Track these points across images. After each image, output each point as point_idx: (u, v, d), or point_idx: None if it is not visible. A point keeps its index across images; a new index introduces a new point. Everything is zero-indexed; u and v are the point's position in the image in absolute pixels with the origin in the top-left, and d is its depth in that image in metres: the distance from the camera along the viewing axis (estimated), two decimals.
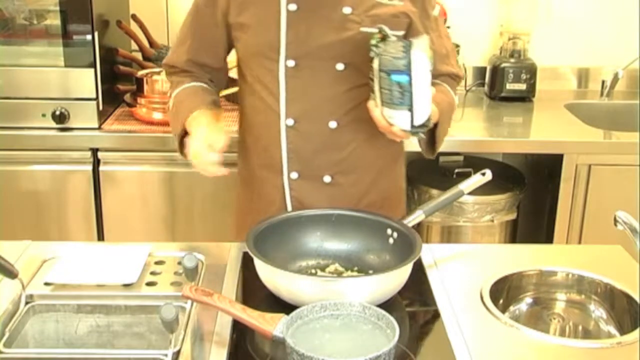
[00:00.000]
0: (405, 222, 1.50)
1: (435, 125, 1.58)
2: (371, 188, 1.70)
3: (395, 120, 1.45)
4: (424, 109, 1.44)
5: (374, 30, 1.47)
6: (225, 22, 1.63)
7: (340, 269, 1.50)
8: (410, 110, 1.42)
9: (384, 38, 1.44)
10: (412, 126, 1.44)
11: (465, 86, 2.96)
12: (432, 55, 1.44)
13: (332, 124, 1.61)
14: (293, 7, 1.55)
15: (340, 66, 1.57)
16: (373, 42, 1.45)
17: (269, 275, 1.36)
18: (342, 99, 1.60)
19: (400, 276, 1.36)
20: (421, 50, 1.40)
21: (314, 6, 1.55)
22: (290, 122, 1.61)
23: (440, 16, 1.71)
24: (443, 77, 1.68)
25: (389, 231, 1.49)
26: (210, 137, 1.47)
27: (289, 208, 1.67)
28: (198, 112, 1.55)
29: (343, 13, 1.55)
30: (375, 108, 1.48)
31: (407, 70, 1.39)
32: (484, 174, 1.58)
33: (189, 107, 1.58)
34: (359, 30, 1.54)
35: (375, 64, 1.43)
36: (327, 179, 1.65)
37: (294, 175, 1.65)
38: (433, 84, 1.49)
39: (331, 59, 1.57)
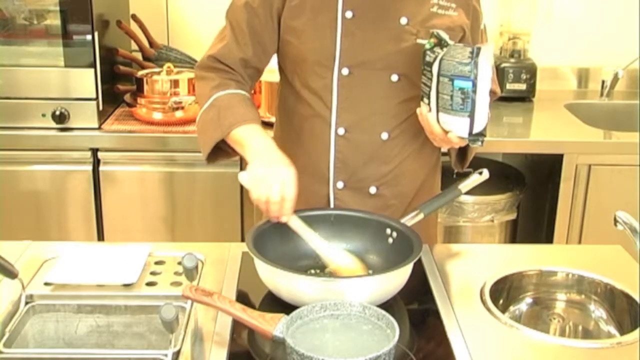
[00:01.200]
0: (403, 221, 1.50)
1: None
2: (414, 200, 1.67)
3: (452, 127, 1.42)
4: (483, 117, 1.42)
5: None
6: (278, 24, 1.58)
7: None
8: (471, 117, 1.40)
9: (439, 43, 1.42)
10: (470, 134, 1.42)
11: None
12: (493, 65, 1.42)
13: (384, 136, 1.59)
14: (349, 14, 1.52)
15: (394, 77, 1.55)
16: (428, 46, 1.43)
17: (269, 275, 1.36)
18: (395, 111, 1.58)
19: (400, 276, 1.36)
20: (486, 57, 1.38)
21: (370, 15, 1.53)
22: (342, 131, 1.58)
23: (485, 32, 1.68)
24: None
25: (388, 231, 1.49)
26: (285, 185, 1.42)
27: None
28: (254, 131, 1.50)
29: (400, 23, 1.53)
30: (429, 113, 1.45)
31: (472, 77, 1.37)
32: (481, 173, 1.58)
33: (240, 116, 1.52)
34: (415, 42, 1.52)
35: (435, 69, 1.40)
36: (372, 190, 1.63)
37: (340, 184, 1.62)
38: None
39: (386, 69, 1.55)
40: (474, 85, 1.38)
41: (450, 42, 1.42)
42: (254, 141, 1.49)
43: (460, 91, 1.38)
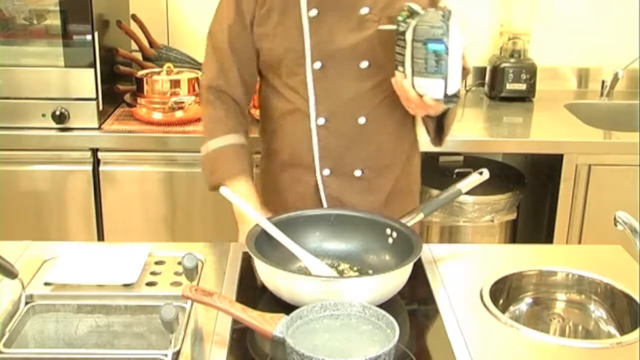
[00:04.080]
0: (404, 221, 1.50)
1: (444, 113, 1.62)
2: (398, 179, 1.77)
3: (428, 90, 1.47)
4: (456, 78, 1.47)
5: (392, 27, 1.51)
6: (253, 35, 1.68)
7: (345, 265, 1.50)
8: (445, 78, 1.45)
9: (411, 15, 1.47)
10: (445, 95, 1.47)
11: (465, 86, 2.96)
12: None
13: (362, 120, 1.67)
14: (313, 12, 1.61)
15: (364, 64, 1.63)
16: (400, 18, 1.48)
17: (269, 275, 1.36)
18: (369, 95, 1.66)
19: (400, 276, 1.36)
20: (457, 20, 1.44)
21: (333, 10, 1.61)
22: (322, 121, 1.67)
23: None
24: None
25: (388, 231, 1.49)
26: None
27: (324, 204, 1.73)
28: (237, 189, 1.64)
29: (361, 14, 1.61)
30: (404, 80, 1.50)
31: (444, 39, 1.43)
32: (481, 173, 1.58)
33: (229, 172, 1.69)
34: (377, 29, 1.59)
35: (409, 36, 1.46)
36: (357, 173, 1.71)
37: (326, 172, 1.71)
38: None
39: (355, 59, 1.63)
40: (447, 47, 1.43)
41: (422, 12, 1.48)
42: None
43: (434, 54, 1.43)
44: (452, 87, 1.47)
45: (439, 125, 1.70)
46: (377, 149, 1.71)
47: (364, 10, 1.61)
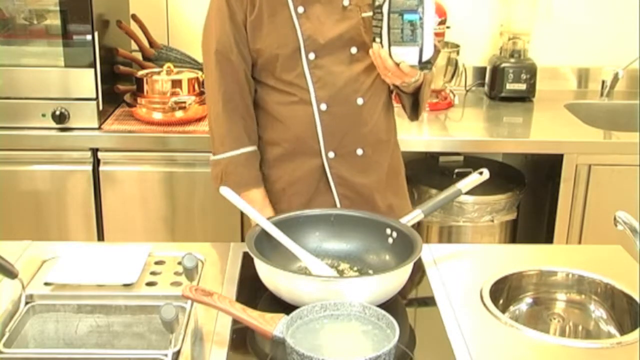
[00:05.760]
0: (404, 221, 1.50)
1: (418, 88, 1.76)
2: (392, 156, 1.88)
3: (404, 57, 1.58)
4: (430, 46, 1.58)
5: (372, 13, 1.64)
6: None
7: (345, 265, 1.51)
8: (420, 46, 1.57)
9: None
10: (420, 62, 1.58)
11: (465, 86, 2.96)
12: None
13: (360, 101, 1.76)
14: (301, 9, 1.71)
15: (354, 49, 1.74)
16: None
17: (269, 275, 1.36)
18: (362, 77, 1.76)
19: (400, 276, 1.36)
20: None
21: (317, 5, 1.72)
22: (324, 107, 1.75)
23: None
24: None
25: (388, 231, 1.50)
26: None
27: (332, 185, 1.80)
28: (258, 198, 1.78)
29: (343, 5, 1.73)
30: (381, 50, 1.60)
31: (418, 10, 1.54)
32: (481, 173, 1.59)
33: (243, 180, 1.78)
34: (360, 16, 1.72)
35: (385, 8, 1.57)
36: (359, 152, 1.79)
37: (331, 154, 1.78)
38: None
39: (345, 46, 1.74)
40: (421, 17, 1.55)
41: None
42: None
43: (410, 23, 1.55)
44: (427, 53, 1.58)
45: (414, 101, 1.82)
46: (374, 127, 1.80)
47: (346, 2, 1.72)
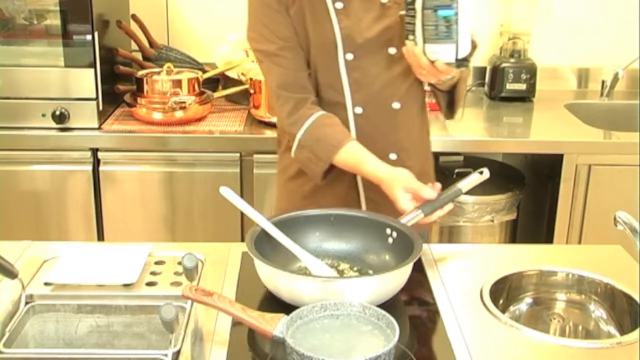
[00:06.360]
0: (403, 221, 1.50)
1: (454, 86, 1.68)
2: (424, 161, 1.82)
3: (439, 55, 1.52)
4: (467, 42, 1.52)
5: None
6: None
7: (345, 265, 1.51)
8: (456, 43, 1.51)
9: None
10: (457, 59, 1.52)
11: (466, 86, 2.96)
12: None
13: (396, 105, 1.71)
14: (339, 5, 1.64)
15: (392, 50, 1.67)
16: None
17: (269, 275, 1.36)
18: (399, 80, 1.70)
19: (400, 276, 1.36)
20: None
21: (356, 1, 1.65)
22: (359, 110, 1.69)
23: None
24: None
25: (388, 231, 1.49)
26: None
27: (360, 188, 1.74)
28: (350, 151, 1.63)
29: (381, 3, 1.66)
30: (415, 47, 1.54)
31: (453, 5, 1.48)
32: (481, 173, 1.58)
33: (330, 149, 1.63)
34: (399, 14, 1.63)
35: (418, 4, 1.50)
36: (393, 156, 1.73)
37: None
38: None
39: (383, 46, 1.67)
40: (456, 13, 1.48)
41: None
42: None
43: (444, 19, 1.49)
44: (463, 50, 1.52)
45: (450, 98, 1.75)
46: (409, 132, 1.75)
47: None
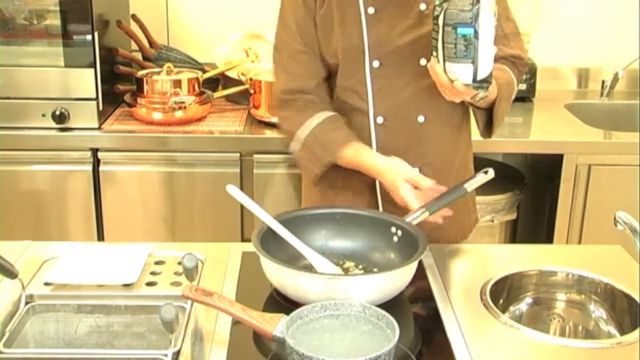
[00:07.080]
0: (408, 220, 1.50)
1: (493, 102, 1.61)
2: (453, 178, 1.71)
3: (457, 75, 1.46)
4: (487, 64, 1.46)
5: None
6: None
7: (350, 263, 1.51)
8: (474, 63, 1.44)
9: None
10: (474, 80, 1.46)
11: None
12: (497, 12, 1.46)
13: (421, 119, 1.65)
14: (372, 10, 1.60)
15: (423, 61, 1.60)
16: (437, 2, 1.47)
17: (276, 272, 1.36)
18: (428, 93, 1.61)
19: (405, 274, 1.36)
20: (488, 5, 1.43)
21: (391, 6, 1.60)
22: (380, 120, 1.64)
23: None
24: (502, 60, 1.67)
25: (393, 229, 1.50)
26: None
27: (379, 200, 1.70)
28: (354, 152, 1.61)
29: (420, 10, 1.60)
30: (437, 65, 1.48)
31: (473, 23, 1.42)
32: (486, 172, 1.59)
33: (331, 151, 1.63)
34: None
35: (440, 20, 1.45)
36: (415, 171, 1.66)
37: None
38: None
39: (414, 56, 1.61)
40: (476, 31, 1.42)
41: None
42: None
43: (463, 38, 1.43)
44: (482, 72, 1.46)
45: (488, 117, 1.69)
46: (435, 148, 1.68)
47: (423, 7, 1.59)
